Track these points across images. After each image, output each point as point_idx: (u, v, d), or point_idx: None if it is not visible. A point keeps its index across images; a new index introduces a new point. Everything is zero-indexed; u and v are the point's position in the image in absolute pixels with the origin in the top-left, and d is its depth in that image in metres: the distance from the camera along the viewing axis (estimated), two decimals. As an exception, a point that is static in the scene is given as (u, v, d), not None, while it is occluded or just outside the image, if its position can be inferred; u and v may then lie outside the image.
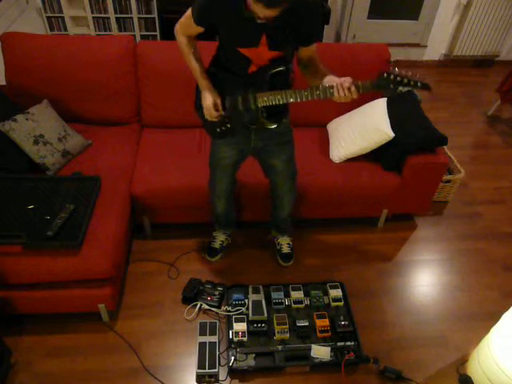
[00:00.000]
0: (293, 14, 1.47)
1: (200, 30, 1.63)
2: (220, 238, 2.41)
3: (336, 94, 1.48)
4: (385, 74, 1.43)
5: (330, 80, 1.53)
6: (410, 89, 1.45)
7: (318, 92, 1.52)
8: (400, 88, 1.44)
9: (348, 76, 1.49)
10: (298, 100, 1.58)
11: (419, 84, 1.42)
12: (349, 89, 1.46)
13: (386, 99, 2.44)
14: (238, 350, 1.92)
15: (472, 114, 3.84)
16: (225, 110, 1.72)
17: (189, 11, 1.60)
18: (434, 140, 2.33)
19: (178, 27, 1.67)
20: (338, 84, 1.47)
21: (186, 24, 1.64)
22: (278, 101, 1.60)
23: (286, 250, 2.38)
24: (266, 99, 1.62)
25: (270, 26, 1.46)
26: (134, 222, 2.43)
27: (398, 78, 1.42)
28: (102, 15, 3.93)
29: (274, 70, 1.59)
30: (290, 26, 1.51)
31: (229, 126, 1.76)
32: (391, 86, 1.44)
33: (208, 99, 1.68)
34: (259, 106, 1.65)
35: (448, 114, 3.81)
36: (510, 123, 3.75)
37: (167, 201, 2.28)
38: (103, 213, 2.00)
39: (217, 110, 1.70)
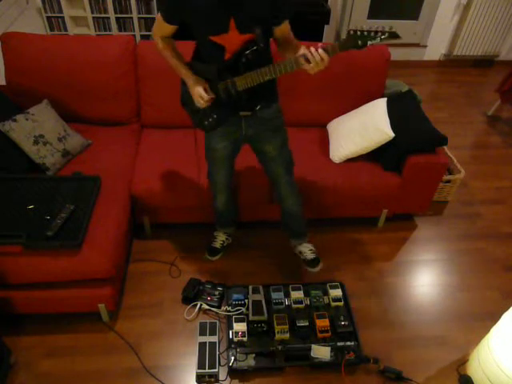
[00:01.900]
0: None
1: (172, 28, 1.68)
2: (221, 238, 2.40)
3: (303, 61, 1.48)
4: (351, 32, 1.41)
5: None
6: (378, 41, 1.40)
7: (290, 64, 1.52)
8: (369, 42, 1.40)
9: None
10: (274, 75, 1.57)
11: (386, 34, 1.38)
12: (318, 54, 1.45)
13: (385, 99, 2.44)
14: (238, 350, 1.92)
15: (472, 114, 3.84)
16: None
17: (158, 14, 1.65)
18: (434, 140, 2.33)
19: (153, 31, 1.73)
20: (306, 51, 1.47)
21: (158, 26, 1.70)
22: (255, 80, 1.60)
23: (310, 256, 2.29)
24: (244, 82, 1.62)
25: (234, 7, 1.50)
26: (134, 222, 2.43)
27: (365, 33, 1.39)
28: (102, 15, 3.93)
29: (248, 51, 1.59)
30: (256, 5, 1.53)
31: (215, 116, 1.77)
32: (359, 42, 1.41)
33: (196, 86, 1.68)
34: (239, 90, 1.65)
35: (448, 114, 3.81)
36: (510, 123, 3.74)
37: (167, 201, 2.28)
38: (103, 213, 2.00)
39: (206, 93, 1.67)
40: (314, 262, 2.29)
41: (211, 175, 2.11)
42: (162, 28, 1.69)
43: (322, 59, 1.46)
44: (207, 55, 1.68)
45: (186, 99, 1.82)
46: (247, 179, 2.28)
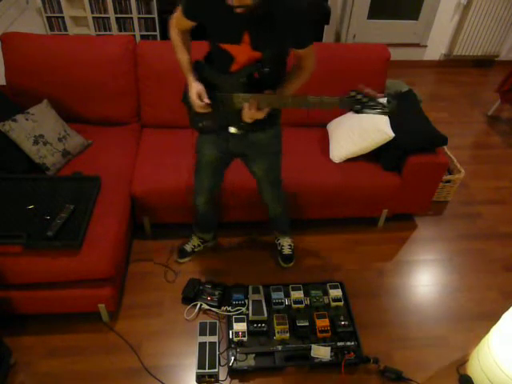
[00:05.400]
0: (276, 13, 1.43)
1: (190, 23, 1.64)
2: (194, 242, 2.38)
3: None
4: (352, 93, 1.40)
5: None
6: (374, 113, 1.41)
7: (289, 100, 1.53)
8: (365, 111, 1.41)
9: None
10: (270, 107, 1.56)
11: (387, 110, 1.39)
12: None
13: (386, 99, 2.44)
14: (238, 349, 1.92)
15: (472, 114, 3.84)
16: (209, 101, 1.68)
17: (179, 6, 1.62)
18: (434, 140, 2.33)
19: (171, 21, 1.69)
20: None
21: (177, 18, 1.66)
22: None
23: (286, 251, 2.38)
24: (240, 100, 1.59)
25: (251, 22, 1.44)
26: (134, 222, 2.43)
27: (364, 100, 1.39)
28: (102, 15, 3.93)
29: (254, 71, 1.55)
30: (274, 27, 1.46)
31: (208, 122, 1.76)
32: (356, 107, 1.41)
33: (193, 88, 1.64)
34: (235, 107, 1.62)
35: (448, 114, 3.81)
36: (510, 123, 3.75)
37: (167, 201, 2.28)
38: (103, 213, 2.00)
39: (201, 100, 1.63)
40: (288, 258, 2.38)
41: (195, 176, 2.09)
42: (180, 21, 1.64)
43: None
44: (216, 60, 1.65)
45: (187, 99, 1.79)
46: (241, 178, 2.28)
